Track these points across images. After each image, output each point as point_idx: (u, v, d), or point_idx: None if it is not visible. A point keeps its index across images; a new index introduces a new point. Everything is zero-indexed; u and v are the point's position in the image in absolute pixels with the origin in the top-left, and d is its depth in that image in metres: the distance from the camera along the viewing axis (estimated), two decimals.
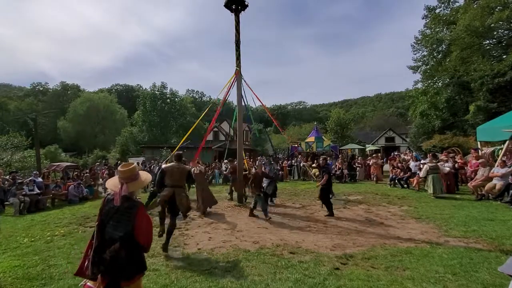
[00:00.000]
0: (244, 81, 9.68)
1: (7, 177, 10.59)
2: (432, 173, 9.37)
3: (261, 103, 10.38)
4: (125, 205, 2.45)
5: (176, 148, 9.82)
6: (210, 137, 33.68)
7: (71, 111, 51.35)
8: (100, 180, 13.79)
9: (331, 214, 7.17)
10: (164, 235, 4.83)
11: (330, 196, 7.86)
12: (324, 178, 7.31)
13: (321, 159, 8.40)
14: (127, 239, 2.37)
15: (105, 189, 12.75)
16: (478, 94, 21.79)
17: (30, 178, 10.83)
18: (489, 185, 8.27)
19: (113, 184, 2.61)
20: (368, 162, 15.88)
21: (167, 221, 5.02)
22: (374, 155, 15.96)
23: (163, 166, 5.75)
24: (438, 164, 9.69)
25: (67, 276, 3.88)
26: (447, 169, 10.02)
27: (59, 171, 14.66)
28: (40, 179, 11.13)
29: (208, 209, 8.04)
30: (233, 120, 10.69)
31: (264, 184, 7.52)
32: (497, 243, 4.70)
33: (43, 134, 43.27)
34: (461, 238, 5.11)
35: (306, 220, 6.83)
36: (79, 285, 3.08)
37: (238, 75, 9.44)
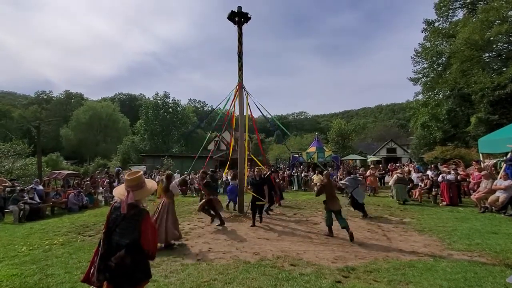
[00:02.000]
0: (246, 92, 9.76)
1: (6, 184, 10.55)
2: (398, 183, 10.77)
3: (249, 115, 10.43)
4: (131, 213, 2.47)
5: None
6: (211, 146, 33.75)
7: (74, 119, 51.81)
8: (101, 188, 13.75)
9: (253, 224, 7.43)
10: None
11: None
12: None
13: (255, 170, 8.30)
14: (133, 246, 2.40)
15: (105, 197, 12.72)
16: (479, 106, 21.87)
17: (31, 185, 10.80)
18: (492, 198, 8.19)
19: (119, 192, 2.64)
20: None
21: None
22: (371, 166, 15.79)
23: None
24: (404, 177, 11.37)
25: (64, 286, 3.82)
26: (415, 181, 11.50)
27: (60, 179, 14.64)
28: (40, 187, 11.11)
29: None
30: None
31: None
32: (502, 257, 4.62)
33: (45, 141, 43.48)
34: (465, 251, 5.02)
35: (307, 232, 6.75)
36: None
37: (240, 87, 9.53)
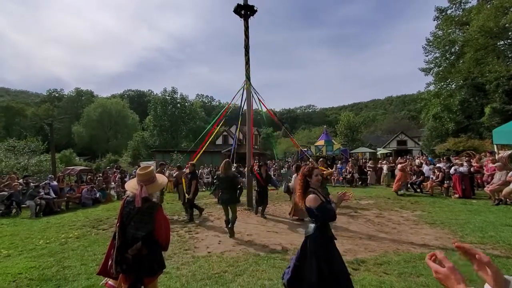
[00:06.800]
0: (253, 88, 9.68)
1: (21, 180, 10.85)
2: (388, 171, 13.62)
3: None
4: (145, 206, 2.53)
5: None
6: (219, 141, 33.91)
7: (85, 116, 52.71)
8: (113, 183, 14.03)
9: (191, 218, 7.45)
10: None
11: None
12: (193, 185, 7.63)
13: (189, 164, 8.16)
14: (149, 238, 2.48)
15: (117, 192, 13.00)
16: (494, 96, 21.21)
17: (46, 181, 11.11)
18: (506, 190, 7.99)
19: (132, 186, 2.70)
20: (379, 166, 15.56)
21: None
22: (371, 161, 15.89)
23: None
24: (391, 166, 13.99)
25: (81, 278, 3.96)
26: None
27: (73, 174, 15.00)
28: (55, 183, 11.41)
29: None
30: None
31: None
32: None
33: (58, 138, 44.43)
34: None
35: None
36: (101, 284, 3.15)
37: (247, 82, 9.46)
